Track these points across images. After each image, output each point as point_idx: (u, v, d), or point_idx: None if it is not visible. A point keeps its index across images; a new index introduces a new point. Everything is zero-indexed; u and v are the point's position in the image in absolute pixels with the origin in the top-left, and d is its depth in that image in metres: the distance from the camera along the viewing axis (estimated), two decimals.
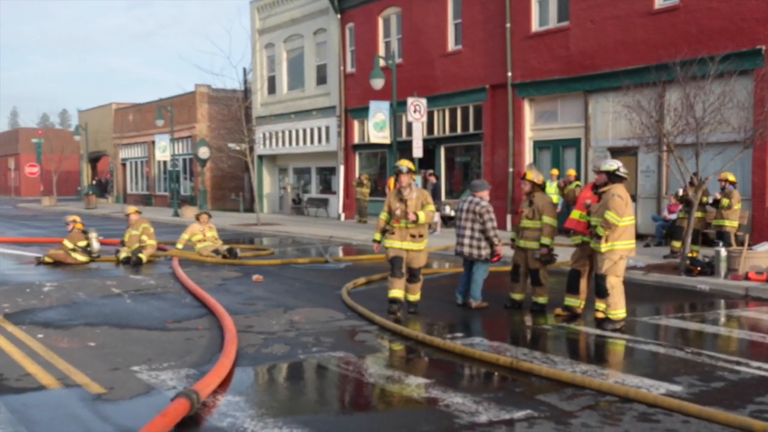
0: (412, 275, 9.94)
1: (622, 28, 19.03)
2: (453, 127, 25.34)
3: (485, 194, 10.44)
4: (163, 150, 37.52)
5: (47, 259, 15.70)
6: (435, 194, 21.16)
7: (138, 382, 6.70)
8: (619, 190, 8.86)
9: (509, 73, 22.33)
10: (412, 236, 9.76)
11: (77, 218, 16.51)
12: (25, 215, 38.56)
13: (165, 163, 41.53)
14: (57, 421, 5.67)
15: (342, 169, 30.60)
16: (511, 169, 22.58)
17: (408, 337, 8.41)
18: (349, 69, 30.02)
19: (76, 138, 52.38)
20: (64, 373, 6.98)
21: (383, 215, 10.00)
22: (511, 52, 22.26)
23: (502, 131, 22.87)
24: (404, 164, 9.83)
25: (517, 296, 10.35)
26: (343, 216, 30.30)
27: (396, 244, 9.78)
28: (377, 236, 10.10)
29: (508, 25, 22.27)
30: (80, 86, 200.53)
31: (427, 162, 24.64)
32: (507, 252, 11.37)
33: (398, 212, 9.67)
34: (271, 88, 35.09)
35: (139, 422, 5.45)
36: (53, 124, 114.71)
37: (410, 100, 21.61)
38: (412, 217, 9.55)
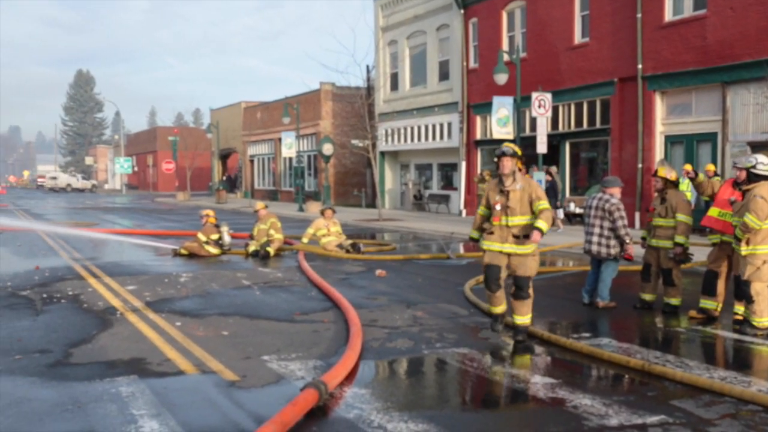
0: (518, 288, 7.96)
1: (767, 15, 17.96)
2: (579, 122, 24.72)
3: (617, 191, 10.12)
4: (289, 147, 38.60)
5: (182, 251, 16.51)
6: (551, 192, 20.65)
7: (268, 371, 6.94)
8: (762, 191, 8.32)
9: (639, 66, 21.54)
10: (516, 237, 7.89)
11: (211, 212, 17.26)
12: (162, 209, 40.67)
13: (290, 159, 42.78)
14: (195, 405, 5.95)
15: (464, 165, 30.48)
16: (640, 165, 21.77)
17: (532, 335, 8.28)
18: (472, 64, 29.87)
19: (208, 136, 54.82)
20: (201, 360, 7.32)
21: (481, 209, 8.32)
22: (641, 43, 21.46)
23: (631, 126, 22.09)
24: (509, 146, 8.00)
25: (648, 297, 9.98)
26: (464, 212, 30.20)
27: (495, 246, 7.97)
28: (474, 234, 8.46)
29: (638, 15, 21.49)
30: (212, 86, 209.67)
31: (551, 158, 24.16)
32: (637, 251, 10.97)
33: (498, 207, 7.95)
34: (394, 85, 35.39)
35: (270, 410, 5.66)
36: (187, 123, 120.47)
37: (534, 95, 21.24)
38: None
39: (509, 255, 7.92)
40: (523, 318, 7.98)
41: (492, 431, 5.52)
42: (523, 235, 7.86)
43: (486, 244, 8.04)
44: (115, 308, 10.09)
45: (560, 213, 21.96)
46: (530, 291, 7.97)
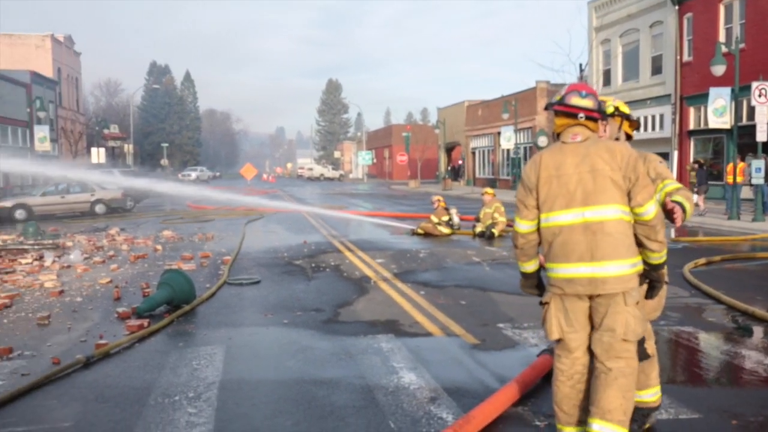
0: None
1: None
2: None
3: None
4: (508, 139, 38.23)
5: (419, 231, 17.01)
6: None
7: (504, 337, 6.96)
8: None
9: None
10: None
11: (441, 197, 17.60)
12: (397, 195, 42.14)
13: (508, 151, 42.35)
14: (444, 363, 6.13)
15: (676, 154, 28.34)
16: None
17: (762, 318, 7.51)
18: (686, 58, 27.62)
19: (435, 131, 55.87)
20: (444, 324, 7.51)
21: None
22: None
23: None
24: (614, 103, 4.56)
25: None
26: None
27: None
28: None
29: None
30: (438, 88, 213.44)
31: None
32: None
33: None
34: (606, 81, 33.70)
35: (510, 371, 5.68)
36: (416, 121, 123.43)
37: (755, 84, 19.13)
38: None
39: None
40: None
41: (726, 407, 5.10)
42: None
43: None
44: (369, 277, 10.65)
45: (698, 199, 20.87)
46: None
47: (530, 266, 4.17)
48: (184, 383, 5.59)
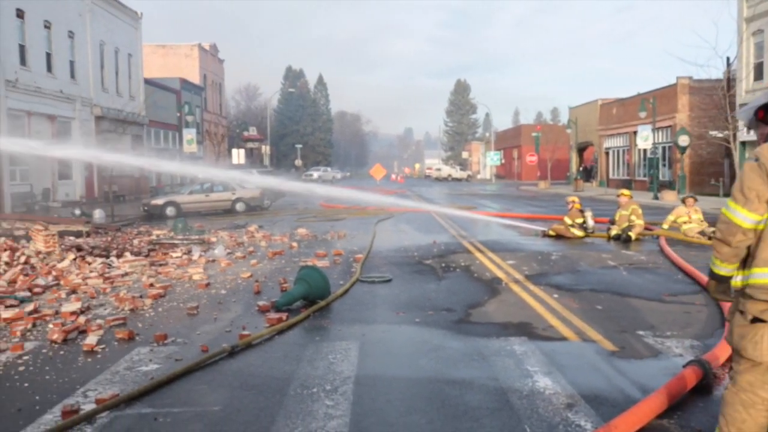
0: None
1: None
2: None
3: None
4: (645, 139, 36.35)
5: (551, 233, 16.57)
6: None
7: (645, 345, 6.62)
8: None
9: None
10: None
11: (576, 199, 17.03)
12: (526, 196, 41.29)
13: (645, 151, 40.32)
14: (580, 368, 5.92)
15: None
16: None
17: None
18: None
19: (567, 131, 54.29)
20: (580, 329, 7.26)
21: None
22: None
23: None
24: None
25: None
26: None
27: None
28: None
29: None
30: (569, 87, 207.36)
31: None
32: None
33: None
34: (758, 75, 31.20)
35: (652, 381, 5.40)
36: (546, 120, 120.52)
37: None
38: None
39: None
40: None
41: None
42: None
43: None
44: (500, 279, 10.51)
45: None
46: None
47: (730, 269, 3.65)
48: (321, 376, 5.77)
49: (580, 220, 16.40)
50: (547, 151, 57.31)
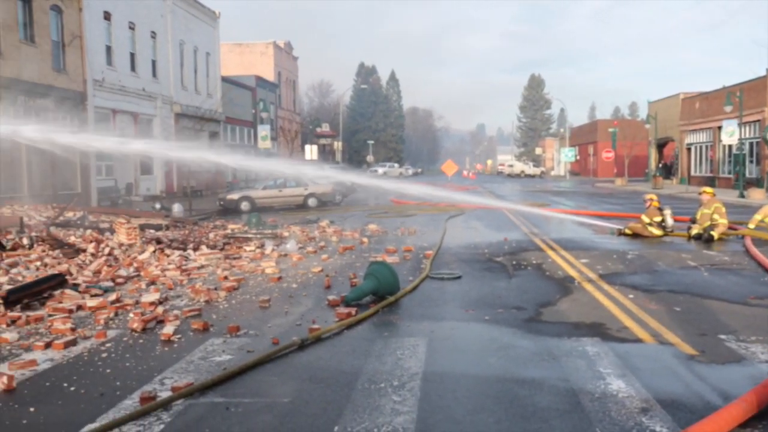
0: None
1: None
2: None
3: None
4: (730, 134, 34.75)
5: (627, 231, 16.06)
6: None
7: (727, 350, 6.33)
8: None
9: None
10: None
11: (654, 196, 16.46)
12: (602, 193, 40.20)
13: (730, 147, 38.58)
14: (656, 372, 5.71)
15: None
16: None
17: None
18: None
19: (646, 126, 52.53)
20: (656, 331, 7.01)
21: None
22: None
23: None
24: None
25: None
26: None
27: None
28: None
29: None
30: (649, 80, 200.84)
31: None
32: None
33: None
34: None
35: (735, 388, 5.17)
36: (623, 116, 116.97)
37: None
38: None
39: None
40: None
41: None
42: None
43: None
44: (572, 277, 10.27)
45: None
46: None
47: None
48: (388, 371, 5.79)
49: (658, 219, 15.84)
50: (625, 147, 55.60)
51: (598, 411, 4.82)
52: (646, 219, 15.87)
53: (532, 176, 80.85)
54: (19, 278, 9.78)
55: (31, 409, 5.05)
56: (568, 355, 6.17)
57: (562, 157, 75.52)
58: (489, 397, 5.14)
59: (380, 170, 73.81)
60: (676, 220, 16.64)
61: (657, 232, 15.69)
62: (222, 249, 13.59)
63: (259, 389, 5.42)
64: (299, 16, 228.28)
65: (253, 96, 49.57)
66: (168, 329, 7.14)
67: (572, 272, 10.72)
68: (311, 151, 50.96)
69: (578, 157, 79.66)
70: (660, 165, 55.46)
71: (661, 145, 56.29)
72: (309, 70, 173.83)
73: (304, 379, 5.64)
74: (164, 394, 5.23)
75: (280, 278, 10.35)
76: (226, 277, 10.31)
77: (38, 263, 10.96)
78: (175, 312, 7.97)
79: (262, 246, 13.93)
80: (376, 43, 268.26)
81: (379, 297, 8.63)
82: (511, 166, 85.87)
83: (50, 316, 7.90)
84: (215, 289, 9.35)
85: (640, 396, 5.10)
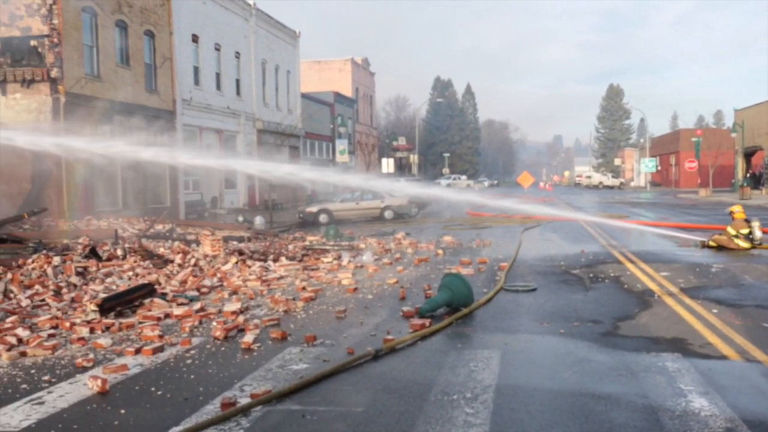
0: None
1: None
2: None
3: None
4: None
5: (711, 243, 15.37)
6: None
7: None
8: None
9: None
10: None
11: (739, 207, 15.70)
12: (684, 204, 38.62)
13: None
14: (743, 390, 5.43)
15: None
16: None
17: None
18: None
19: (732, 135, 50.23)
20: (742, 348, 6.67)
21: None
22: None
23: None
24: None
25: None
26: None
27: None
28: None
29: None
30: (735, 87, 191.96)
31: None
32: None
33: None
34: None
35: None
36: (708, 124, 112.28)
37: None
38: None
39: None
40: None
41: None
42: None
43: None
44: (652, 291, 9.91)
45: None
46: None
47: None
48: (461, 383, 5.74)
49: (745, 231, 15.07)
50: (709, 156, 53.34)
51: (678, 429, 4.62)
52: (732, 231, 15.14)
53: (611, 187, 78.54)
54: (113, 287, 10.28)
55: (122, 411, 5.29)
56: (647, 371, 5.95)
57: (642, 168, 72.96)
58: (563, 412, 5.02)
59: (443, 182, 71.81)
60: (764, 232, 15.82)
61: (744, 244, 14.94)
62: (300, 260, 13.85)
63: (334, 398, 5.48)
64: (376, 32, 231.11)
65: (331, 111, 50.44)
66: (248, 338, 7.33)
67: (652, 285, 10.34)
68: (388, 164, 51.34)
69: (659, 168, 76.86)
70: (748, 175, 52.83)
71: (748, 154, 53.67)
72: (386, 85, 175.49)
73: (378, 390, 5.67)
74: (243, 401, 5.36)
75: (356, 289, 10.45)
76: (304, 288, 10.50)
77: (130, 273, 11.48)
78: (255, 321, 8.17)
79: (339, 257, 14.11)
80: (452, 57, 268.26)
81: (453, 309, 8.58)
82: (588, 177, 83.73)
83: (140, 323, 8.26)
84: (293, 299, 9.53)
85: (725, 415, 4.86)
